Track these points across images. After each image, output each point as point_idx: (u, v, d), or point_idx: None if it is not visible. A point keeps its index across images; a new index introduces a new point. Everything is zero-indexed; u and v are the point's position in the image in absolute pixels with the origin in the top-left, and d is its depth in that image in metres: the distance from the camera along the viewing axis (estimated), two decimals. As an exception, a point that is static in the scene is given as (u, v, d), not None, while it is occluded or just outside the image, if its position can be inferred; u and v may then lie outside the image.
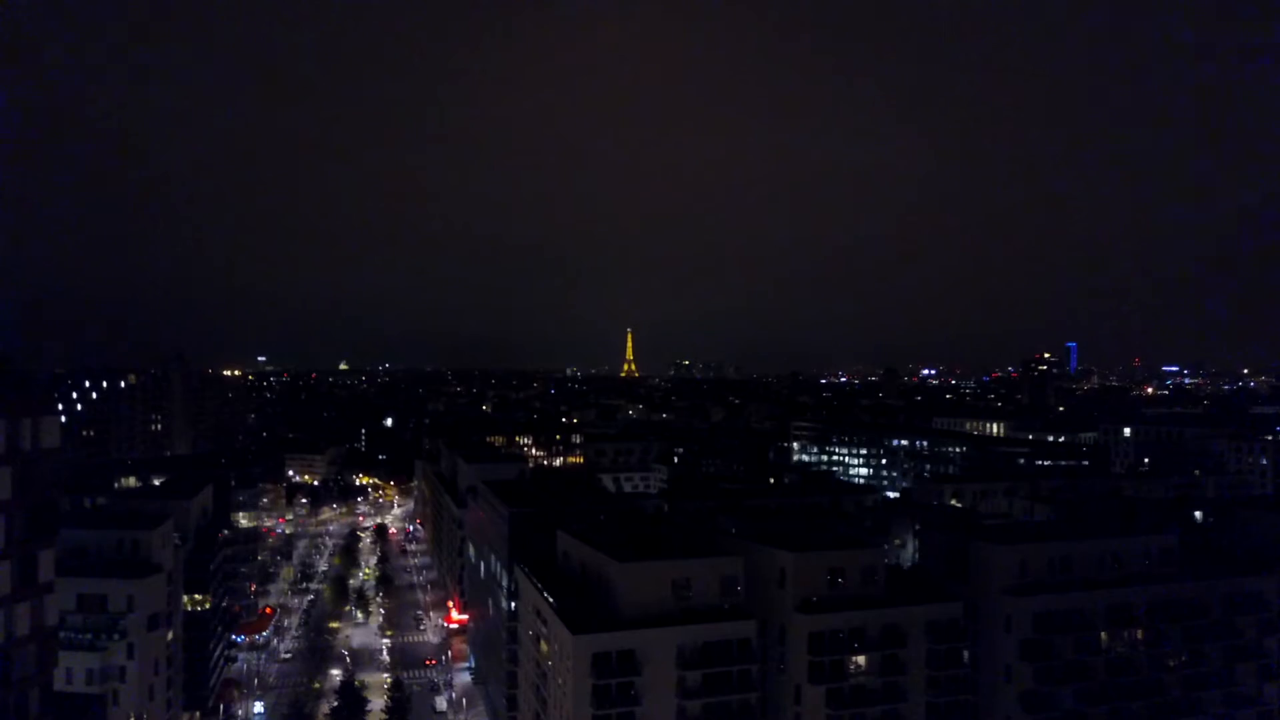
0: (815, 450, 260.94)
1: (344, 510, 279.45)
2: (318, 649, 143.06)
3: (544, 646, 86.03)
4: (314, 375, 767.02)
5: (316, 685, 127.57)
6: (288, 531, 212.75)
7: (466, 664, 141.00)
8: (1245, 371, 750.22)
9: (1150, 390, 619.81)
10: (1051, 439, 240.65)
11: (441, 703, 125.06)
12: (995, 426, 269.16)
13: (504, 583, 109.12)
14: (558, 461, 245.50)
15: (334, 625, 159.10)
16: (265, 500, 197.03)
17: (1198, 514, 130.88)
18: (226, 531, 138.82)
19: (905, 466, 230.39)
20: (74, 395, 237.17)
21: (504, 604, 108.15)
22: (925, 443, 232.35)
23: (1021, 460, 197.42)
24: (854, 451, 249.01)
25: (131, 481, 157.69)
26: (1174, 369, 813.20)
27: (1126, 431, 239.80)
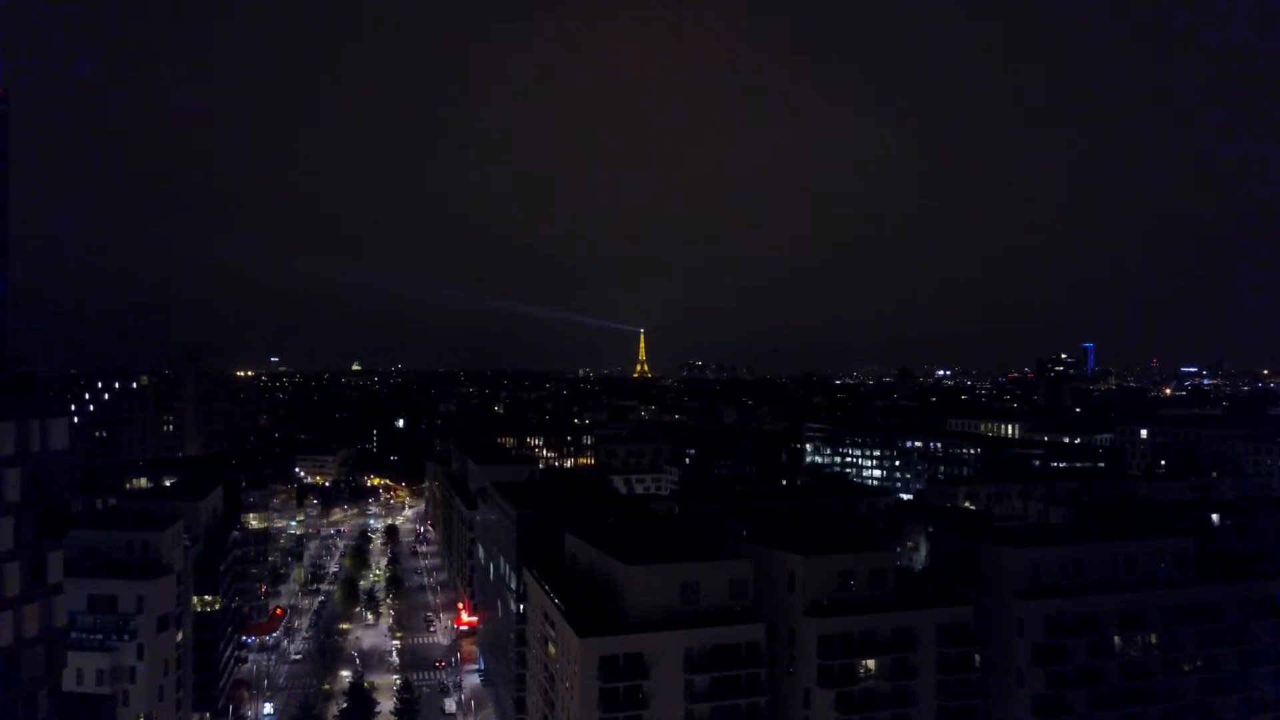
0: (828, 451, 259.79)
1: (355, 511, 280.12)
2: (327, 650, 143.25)
3: (551, 649, 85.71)
4: (326, 376, 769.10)
5: (326, 686, 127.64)
6: (298, 532, 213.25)
7: (476, 666, 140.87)
8: (1265, 372, 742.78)
9: (1168, 391, 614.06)
10: (1067, 440, 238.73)
11: (451, 705, 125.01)
12: (1010, 428, 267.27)
13: (513, 585, 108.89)
14: (569, 463, 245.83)
15: (344, 626, 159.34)
16: (276, 501, 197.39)
17: (1214, 516, 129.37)
18: (237, 532, 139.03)
19: (919, 468, 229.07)
20: (86, 396, 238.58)
21: (512, 606, 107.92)
22: (939, 444, 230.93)
23: (1036, 462, 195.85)
24: (867, 453, 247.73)
25: (143, 482, 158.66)
26: (1193, 370, 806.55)
27: (1143, 433, 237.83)
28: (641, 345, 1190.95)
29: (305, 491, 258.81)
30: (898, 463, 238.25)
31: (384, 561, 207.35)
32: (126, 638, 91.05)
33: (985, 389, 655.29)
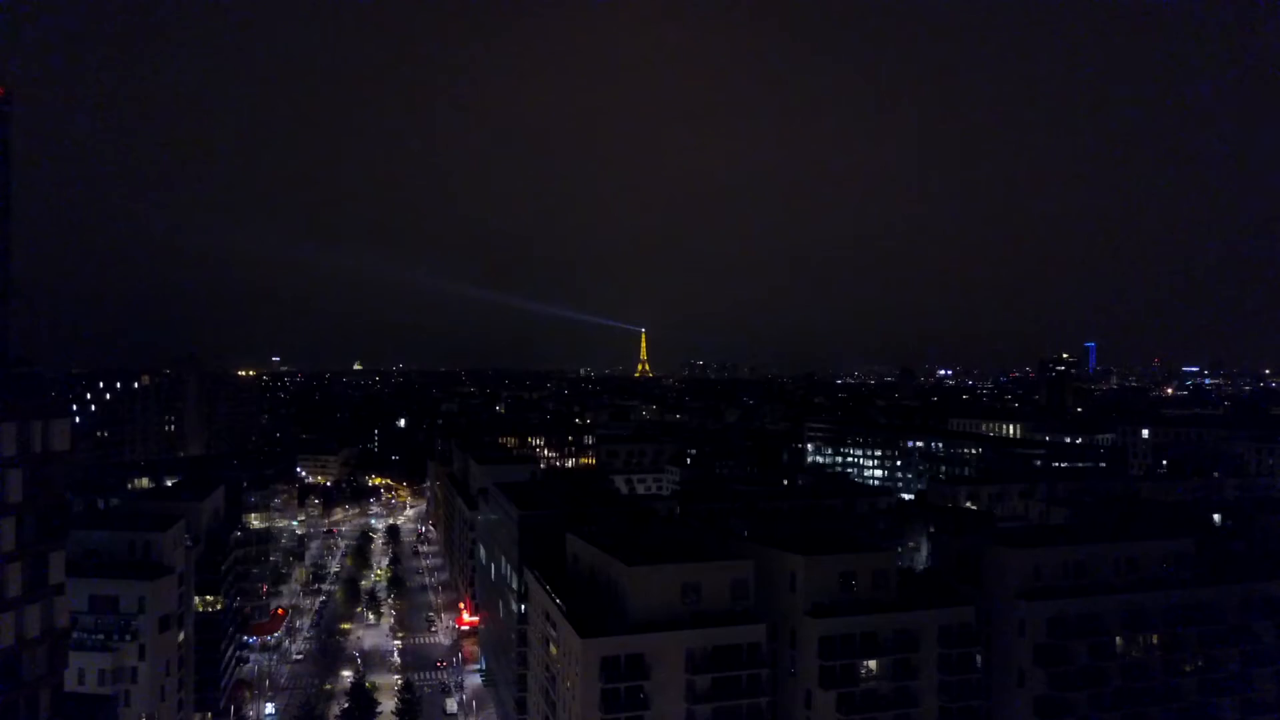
0: (830, 451, 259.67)
1: (356, 511, 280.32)
2: (329, 650, 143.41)
3: (553, 650, 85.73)
4: (328, 375, 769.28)
5: (328, 686, 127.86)
6: (300, 532, 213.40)
7: (477, 666, 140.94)
8: (1266, 372, 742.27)
9: (1170, 391, 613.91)
10: (1068, 440, 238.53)
11: (452, 705, 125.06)
12: (1011, 428, 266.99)
13: (514, 585, 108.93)
14: (570, 463, 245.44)
15: (345, 626, 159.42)
16: (278, 501, 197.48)
17: (1216, 517, 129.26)
18: (239, 533, 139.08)
19: (920, 468, 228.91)
20: (88, 396, 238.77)
21: (514, 606, 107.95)
22: (940, 444, 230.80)
23: (1038, 462, 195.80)
24: (869, 453, 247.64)
25: (144, 482, 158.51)
26: (1194, 369, 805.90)
27: (1145, 433, 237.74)
28: (643, 345, 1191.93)
29: (307, 491, 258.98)
30: (899, 463, 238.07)
31: (385, 561, 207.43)
32: (128, 638, 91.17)
33: (987, 389, 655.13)
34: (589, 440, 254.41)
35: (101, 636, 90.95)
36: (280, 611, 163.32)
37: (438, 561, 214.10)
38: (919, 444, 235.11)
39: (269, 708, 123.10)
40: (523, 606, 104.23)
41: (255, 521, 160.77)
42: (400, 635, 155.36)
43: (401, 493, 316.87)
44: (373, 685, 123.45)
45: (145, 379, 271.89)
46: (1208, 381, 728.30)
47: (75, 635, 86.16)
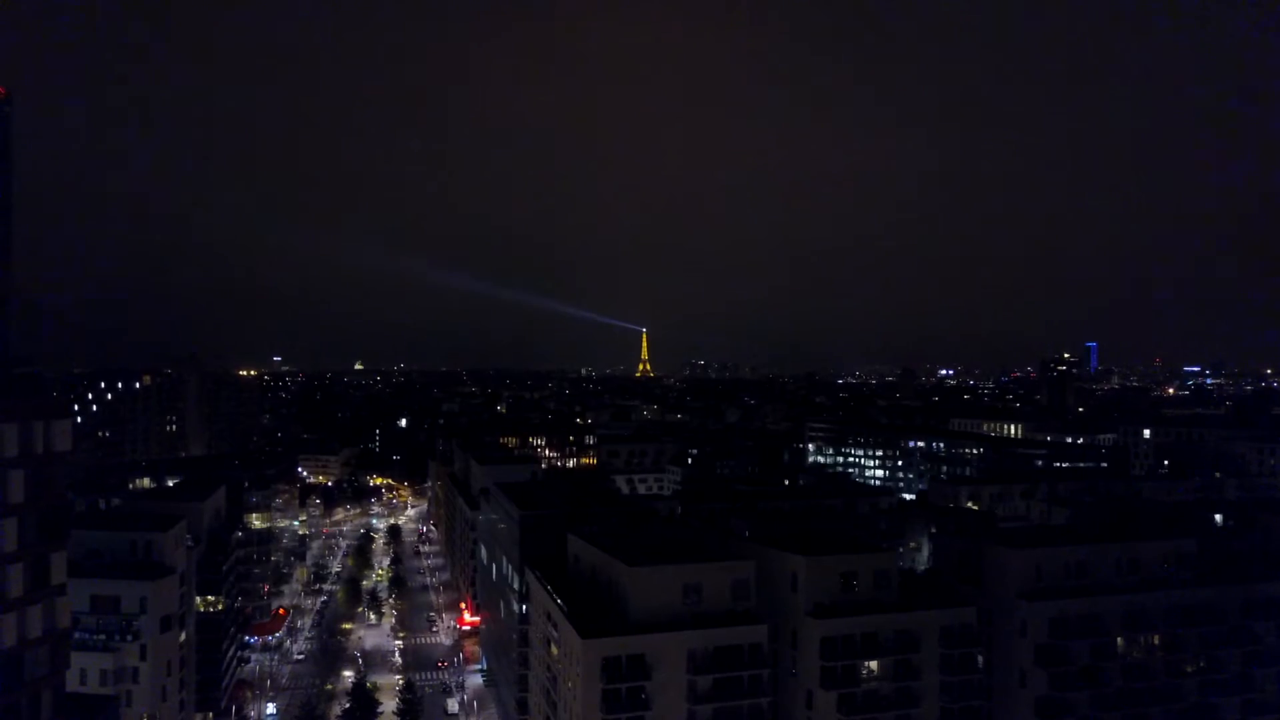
0: (831, 451, 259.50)
1: (357, 511, 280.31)
2: (330, 650, 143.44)
3: (554, 650, 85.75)
4: (329, 375, 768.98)
5: (329, 686, 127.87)
6: (301, 532, 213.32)
7: (479, 666, 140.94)
8: (1268, 371, 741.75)
9: (1171, 391, 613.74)
10: (1070, 440, 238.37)
11: (453, 705, 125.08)
12: (1013, 428, 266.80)
13: (515, 585, 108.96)
14: (572, 463, 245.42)
15: (346, 626, 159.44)
16: (279, 501, 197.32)
17: (1218, 517, 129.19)
18: (240, 533, 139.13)
19: (922, 468, 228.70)
20: (89, 396, 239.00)
21: (515, 607, 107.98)
22: (942, 444, 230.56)
23: (1039, 462, 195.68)
24: (870, 453, 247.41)
25: (146, 483, 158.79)
26: (1195, 369, 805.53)
27: (1146, 433, 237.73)
28: (643, 345, 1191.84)
29: (308, 491, 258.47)
30: (900, 463, 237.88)
31: (386, 561, 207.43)
32: (130, 638, 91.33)
33: (988, 389, 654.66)
34: (590, 440, 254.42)
35: (103, 637, 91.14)
36: (281, 611, 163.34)
37: (439, 561, 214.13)
38: (920, 444, 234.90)
39: (270, 708, 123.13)
40: (524, 607, 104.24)
41: (256, 521, 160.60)
42: (401, 635, 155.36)
43: (403, 493, 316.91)
44: (374, 685, 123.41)
45: (146, 379, 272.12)
46: (1209, 381, 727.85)
47: (77, 635, 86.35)
